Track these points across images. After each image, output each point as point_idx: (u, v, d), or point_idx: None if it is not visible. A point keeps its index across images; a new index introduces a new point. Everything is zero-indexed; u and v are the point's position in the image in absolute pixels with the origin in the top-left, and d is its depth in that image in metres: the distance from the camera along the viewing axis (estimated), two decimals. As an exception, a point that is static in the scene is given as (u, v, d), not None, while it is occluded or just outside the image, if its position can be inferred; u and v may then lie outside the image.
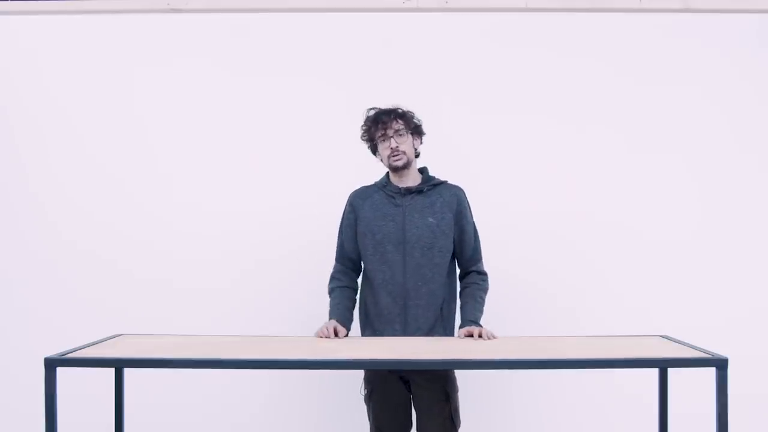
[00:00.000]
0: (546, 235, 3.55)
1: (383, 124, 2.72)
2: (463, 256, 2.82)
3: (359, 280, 2.88)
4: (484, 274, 2.85)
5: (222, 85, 3.61)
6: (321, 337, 2.64)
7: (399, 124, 2.74)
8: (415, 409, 2.77)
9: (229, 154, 3.61)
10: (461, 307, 2.79)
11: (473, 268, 2.83)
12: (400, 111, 2.77)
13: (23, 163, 3.65)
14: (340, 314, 2.74)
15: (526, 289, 3.54)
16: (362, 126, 2.81)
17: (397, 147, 2.72)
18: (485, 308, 2.80)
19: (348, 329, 2.74)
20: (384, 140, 2.74)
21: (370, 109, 2.80)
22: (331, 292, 2.83)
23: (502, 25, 3.57)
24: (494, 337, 2.62)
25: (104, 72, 3.63)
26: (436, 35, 3.58)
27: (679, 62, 3.57)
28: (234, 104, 3.61)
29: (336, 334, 2.65)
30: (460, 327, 2.71)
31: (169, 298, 3.55)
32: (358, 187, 2.90)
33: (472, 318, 2.72)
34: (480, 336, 2.61)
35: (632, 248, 3.56)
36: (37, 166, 3.64)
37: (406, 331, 2.69)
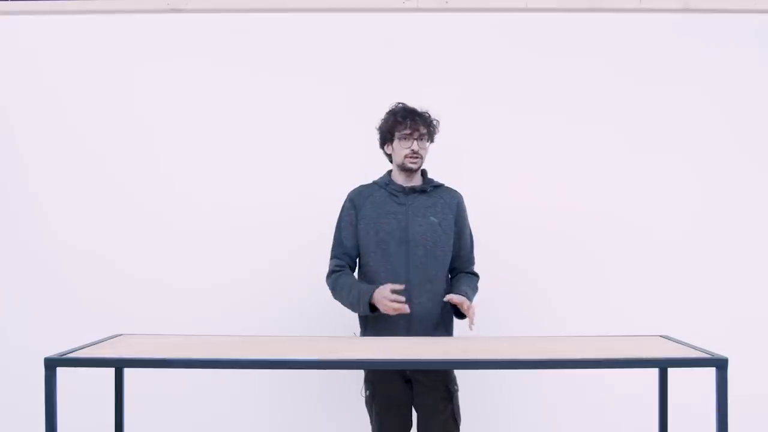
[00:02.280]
0: (546, 235, 3.56)
1: (414, 124, 2.73)
2: (459, 259, 2.84)
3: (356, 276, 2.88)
4: (477, 275, 2.89)
5: (222, 86, 3.61)
6: (394, 306, 2.58)
7: (424, 129, 2.75)
8: (416, 408, 2.77)
9: (230, 154, 3.61)
10: (453, 287, 2.77)
11: (466, 270, 2.86)
12: (433, 120, 2.78)
13: (23, 164, 3.64)
14: (367, 286, 2.70)
15: (526, 288, 3.54)
16: (387, 117, 2.79)
17: (417, 150, 2.74)
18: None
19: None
20: (407, 139, 2.74)
21: (399, 103, 2.80)
22: (338, 279, 2.76)
23: (502, 25, 3.57)
24: (472, 324, 2.62)
25: (104, 72, 3.63)
26: (436, 35, 3.58)
27: (679, 62, 3.57)
28: (234, 104, 3.61)
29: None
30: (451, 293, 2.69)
31: (169, 298, 3.55)
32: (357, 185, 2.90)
33: (465, 289, 2.72)
34: (467, 311, 2.61)
35: (632, 248, 3.56)
36: (37, 166, 3.64)
37: (409, 329, 2.69)
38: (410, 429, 2.81)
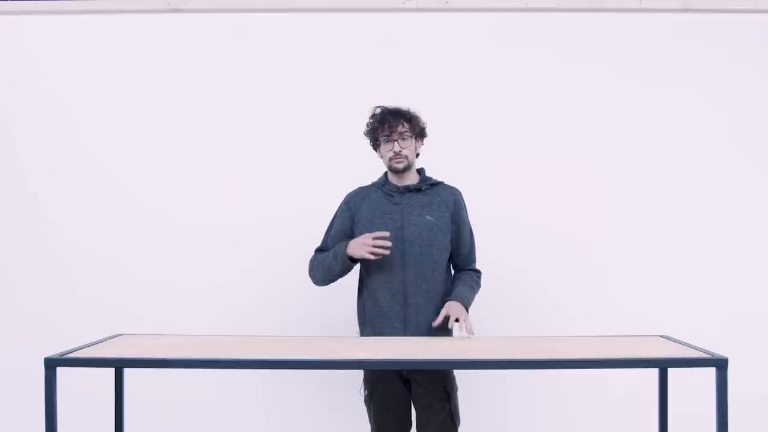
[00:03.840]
0: (546, 235, 3.56)
1: (389, 126, 2.72)
2: (459, 257, 2.83)
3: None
4: (478, 271, 2.87)
5: (222, 86, 3.61)
6: (374, 250, 2.60)
7: (404, 128, 2.74)
8: (415, 408, 2.77)
9: (230, 154, 3.61)
10: (451, 289, 2.77)
11: (467, 268, 2.85)
12: (407, 114, 2.76)
13: (23, 164, 3.65)
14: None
15: (526, 288, 3.54)
16: (368, 122, 2.80)
17: (400, 151, 2.73)
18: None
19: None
20: (388, 141, 2.74)
21: (377, 107, 2.80)
22: (315, 256, 2.82)
23: (502, 25, 3.57)
24: (471, 333, 2.60)
25: (104, 72, 3.63)
26: (436, 35, 3.58)
27: (679, 62, 3.57)
28: (234, 105, 3.61)
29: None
30: (446, 300, 2.68)
31: (169, 298, 3.55)
32: (356, 187, 2.90)
33: (459, 292, 2.70)
34: (457, 321, 2.59)
35: (632, 248, 3.56)
36: (37, 166, 3.64)
37: (406, 329, 2.68)
38: (409, 429, 2.80)
